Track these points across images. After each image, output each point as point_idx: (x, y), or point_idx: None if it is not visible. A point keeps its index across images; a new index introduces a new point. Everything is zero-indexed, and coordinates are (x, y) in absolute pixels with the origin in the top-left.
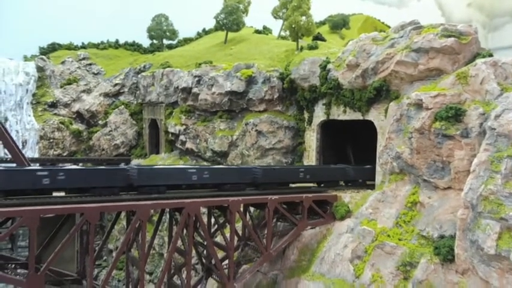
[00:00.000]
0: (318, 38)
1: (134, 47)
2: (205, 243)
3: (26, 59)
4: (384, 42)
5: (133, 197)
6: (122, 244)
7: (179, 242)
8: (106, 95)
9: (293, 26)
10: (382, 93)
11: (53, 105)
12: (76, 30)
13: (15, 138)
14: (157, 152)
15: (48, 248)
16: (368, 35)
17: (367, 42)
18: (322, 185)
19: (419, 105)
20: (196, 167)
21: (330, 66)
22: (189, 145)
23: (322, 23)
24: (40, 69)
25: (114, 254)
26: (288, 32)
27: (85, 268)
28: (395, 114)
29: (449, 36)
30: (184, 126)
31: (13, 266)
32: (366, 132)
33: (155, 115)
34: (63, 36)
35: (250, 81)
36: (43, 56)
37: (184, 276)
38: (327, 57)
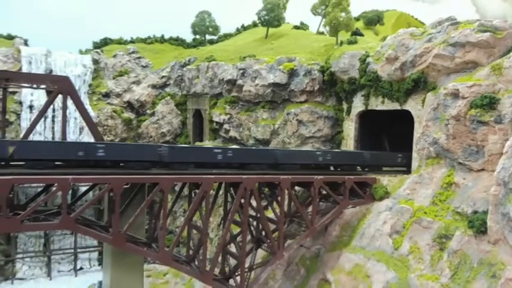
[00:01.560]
0: (357, 33)
1: (178, 41)
2: (258, 215)
3: (81, 52)
4: (422, 37)
5: (197, 171)
6: (189, 211)
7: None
8: (153, 86)
9: (333, 22)
10: (420, 84)
11: (107, 95)
12: (125, 26)
13: (73, 124)
14: (201, 140)
15: (122, 216)
16: (406, 30)
17: (405, 37)
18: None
19: (455, 95)
20: (322, 149)
21: (369, 59)
22: (232, 133)
23: (356, 19)
24: (95, 61)
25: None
26: (327, 28)
27: (154, 233)
28: (432, 104)
29: (485, 31)
30: (228, 116)
31: (97, 226)
32: (399, 123)
33: (199, 105)
34: (113, 31)
35: (292, 73)
36: (98, 50)
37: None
38: (366, 51)
